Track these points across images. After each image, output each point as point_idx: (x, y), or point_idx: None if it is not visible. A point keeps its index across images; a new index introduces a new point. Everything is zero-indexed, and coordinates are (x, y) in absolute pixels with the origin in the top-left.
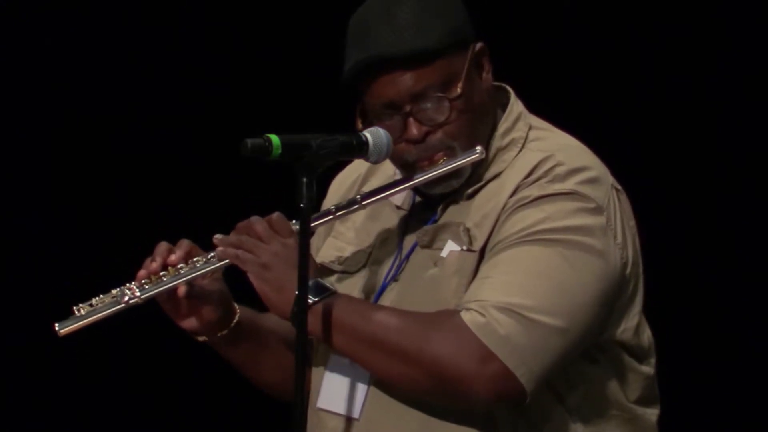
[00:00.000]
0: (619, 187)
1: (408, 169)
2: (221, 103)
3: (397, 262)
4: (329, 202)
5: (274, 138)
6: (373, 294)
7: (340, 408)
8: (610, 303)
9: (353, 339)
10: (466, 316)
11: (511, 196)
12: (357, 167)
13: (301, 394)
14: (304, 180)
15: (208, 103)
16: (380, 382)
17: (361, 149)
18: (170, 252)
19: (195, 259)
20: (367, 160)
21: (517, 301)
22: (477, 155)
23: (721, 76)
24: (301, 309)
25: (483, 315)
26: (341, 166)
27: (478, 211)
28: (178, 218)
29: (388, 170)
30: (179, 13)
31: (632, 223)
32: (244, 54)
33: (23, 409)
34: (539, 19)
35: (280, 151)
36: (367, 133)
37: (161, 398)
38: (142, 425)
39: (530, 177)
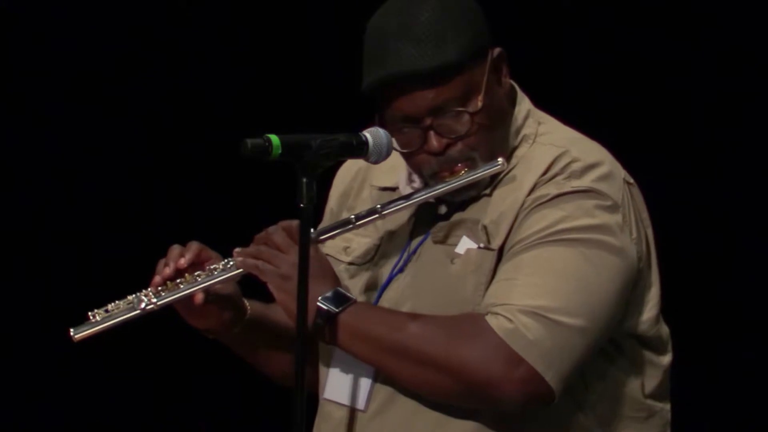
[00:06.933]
0: (631, 181)
1: (428, 178)
2: (221, 103)
3: (405, 256)
4: (333, 194)
5: (274, 138)
6: (379, 286)
7: (347, 399)
8: (627, 298)
9: (379, 348)
10: (492, 321)
11: (529, 194)
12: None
13: (301, 391)
14: (304, 180)
15: (208, 103)
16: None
17: (361, 149)
18: (182, 255)
19: (212, 267)
20: (367, 160)
21: (543, 303)
22: (498, 167)
23: (724, 72)
24: (300, 309)
25: (510, 320)
26: (342, 164)
27: (494, 209)
28: (179, 219)
29: (394, 162)
30: (180, 14)
31: (645, 215)
32: (244, 54)
33: (35, 411)
34: (541, 16)
35: (280, 151)
36: (367, 133)
37: (164, 387)
38: (148, 416)
39: (547, 174)
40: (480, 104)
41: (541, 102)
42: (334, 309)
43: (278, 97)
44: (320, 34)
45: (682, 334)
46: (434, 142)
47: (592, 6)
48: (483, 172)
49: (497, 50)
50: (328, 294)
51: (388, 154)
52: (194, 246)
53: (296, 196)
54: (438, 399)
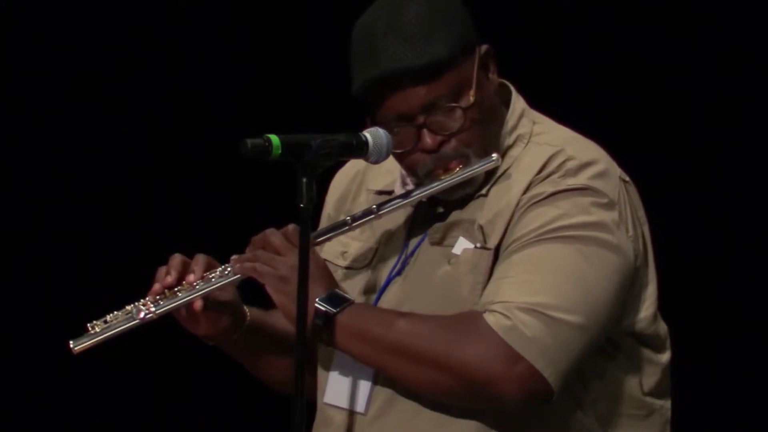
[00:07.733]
0: (627, 179)
1: (422, 177)
2: (221, 103)
3: (402, 258)
4: (330, 199)
5: (274, 138)
6: (377, 289)
7: (347, 403)
8: (625, 296)
9: (378, 348)
10: (490, 319)
11: (524, 192)
12: (356, 162)
13: (301, 393)
14: (304, 180)
15: (208, 103)
16: (388, 379)
17: (361, 149)
18: (185, 265)
19: (210, 274)
20: (367, 160)
21: (541, 300)
22: (493, 163)
23: (724, 72)
24: (300, 309)
25: (508, 317)
26: (341, 165)
27: (489, 209)
28: (178, 219)
29: (390, 165)
30: (180, 14)
31: (641, 213)
32: (244, 54)
33: (35, 413)
34: (541, 16)
35: (280, 152)
36: (367, 134)
37: (164, 391)
38: (148, 420)
39: (542, 173)
40: (472, 99)
41: (539, 102)
42: (332, 310)
43: (278, 97)
44: (320, 34)
45: (682, 334)
46: (428, 139)
47: (592, 6)
48: (477, 168)
49: (484, 47)
50: (326, 295)
51: (388, 154)
52: (201, 260)
53: (296, 197)
54: (437, 398)
